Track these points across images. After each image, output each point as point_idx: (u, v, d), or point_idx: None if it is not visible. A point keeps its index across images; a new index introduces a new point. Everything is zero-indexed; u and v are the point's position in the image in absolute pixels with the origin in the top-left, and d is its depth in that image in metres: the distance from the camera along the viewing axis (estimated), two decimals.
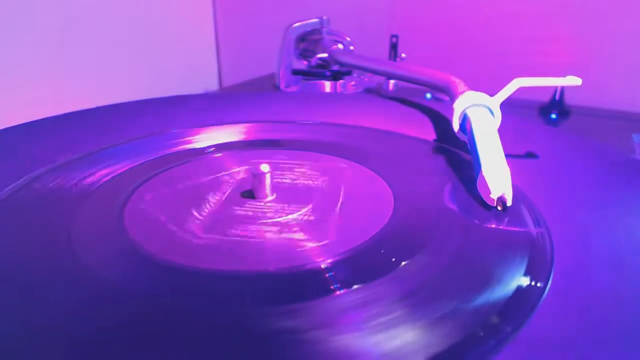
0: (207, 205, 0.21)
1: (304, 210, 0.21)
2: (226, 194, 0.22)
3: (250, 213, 0.21)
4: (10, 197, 0.22)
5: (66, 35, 0.60)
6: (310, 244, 0.18)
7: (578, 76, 0.27)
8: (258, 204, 0.21)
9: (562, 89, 0.48)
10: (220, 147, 0.29)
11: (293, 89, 0.56)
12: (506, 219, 0.20)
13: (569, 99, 0.49)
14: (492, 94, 0.28)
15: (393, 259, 0.17)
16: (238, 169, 0.25)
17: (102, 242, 0.19)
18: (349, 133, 0.31)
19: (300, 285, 0.16)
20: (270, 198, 0.22)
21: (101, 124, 0.33)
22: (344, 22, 0.60)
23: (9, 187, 0.23)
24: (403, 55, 0.57)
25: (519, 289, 0.16)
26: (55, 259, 0.18)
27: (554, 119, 0.48)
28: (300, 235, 0.19)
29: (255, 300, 0.16)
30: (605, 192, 0.24)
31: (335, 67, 0.54)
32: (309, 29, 0.56)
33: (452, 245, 0.18)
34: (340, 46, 0.54)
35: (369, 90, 0.56)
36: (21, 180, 0.24)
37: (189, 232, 0.19)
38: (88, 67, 0.63)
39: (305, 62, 0.56)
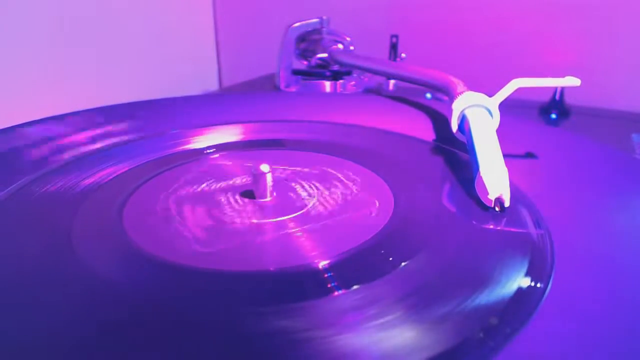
0: (207, 205, 0.21)
1: (304, 210, 0.21)
2: (226, 194, 0.22)
3: (250, 213, 0.21)
4: (10, 197, 0.23)
5: (66, 35, 0.60)
6: (310, 244, 0.18)
7: (578, 76, 0.27)
8: (258, 203, 0.21)
9: (562, 89, 0.48)
10: (220, 147, 0.29)
11: (293, 89, 0.56)
12: (506, 220, 0.20)
13: (569, 99, 0.49)
14: (491, 94, 0.28)
15: (392, 260, 0.17)
16: (238, 169, 0.25)
17: (102, 242, 0.19)
18: (349, 133, 0.31)
19: (300, 285, 0.16)
20: (270, 198, 0.22)
21: (101, 124, 0.33)
22: (344, 22, 0.60)
23: (9, 187, 0.23)
24: (403, 55, 0.57)
25: (519, 290, 0.16)
26: (55, 260, 0.18)
27: (554, 119, 0.48)
28: (299, 235, 0.19)
29: (255, 300, 0.16)
30: (605, 192, 0.24)
31: (335, 67, 0.54)
32: (309, 29, 0.56)
33: (452, 246, 0.18)
34: (340, 46, 0.54)
35: (369, 90, 0.56)
36: (21, 180, 0.24)
37: (189, 232, 0.19)
38: (88, 67, 0.63)
39: (305, 62, 0.56)
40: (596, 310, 0.15)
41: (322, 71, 0.55)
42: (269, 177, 0.22)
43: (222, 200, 0.22)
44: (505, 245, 0.18)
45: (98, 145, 0.29)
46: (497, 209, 0.21)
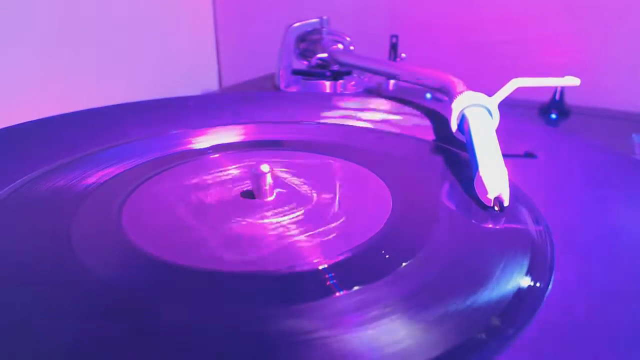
0: (207, 206, 0.21)
1: (304, 210, 0.21)
2: (226, 194, 0.22)
3: (250, 213, 0.21)
4: (10, 197, 0.23)
5: (66, 35, 0.60)
6: (310, 245, 0.18)
7: (578, 76, 0.27)
8: (258, 204, 0.21)
9: (562, 89, 0.48)
10: (220, 148, 0.29)
11: (293, 89, 0.56)
12: (506, 219, 0.20)
13: (569, 99, 0.49)
14: (491, 94, 0.28)
15: (393, 260, 0.17)
16: (238, 169, 0.25)
17: (101, 242, 0.19)
18: (348, 133, 0.31)
19: (300, 286, 0.16)
20: (270, 198, 0.22)
21: (101, 124, 0.33)
22: (344, 22, 0.60)
23: (9, 187, 0.23)
24: (403, 55, 0.57)
25: (520, 289, 0.16)
26: (55, 259, 0.18)
27: (554, 119, 0.48)
28: (300, 236, 0.19)
29: (255, 300, 0.16)
30: (605, 192, 0.24)
31: (335, 67, 0.54)
32: (309, 29, 0.56)
33: (451, 245, 0.18)
34: (340, 46, 0.54)
35: (369, 90, 0.56)
36: (21, 180, 0.24)
37: (189, 233, 0.19)
38: (88, 67, 0.63)
39: (305, 62, 0.56)
40: (596, 309, 0.15)
41: (322, 71, 0.55)
42: (268, 177, 0.22)
43: (222, 200, 0.22)
44: (504, 244, 0.18)
45: (98, 144, 0.29)
46: (496, 208, 0.21)
